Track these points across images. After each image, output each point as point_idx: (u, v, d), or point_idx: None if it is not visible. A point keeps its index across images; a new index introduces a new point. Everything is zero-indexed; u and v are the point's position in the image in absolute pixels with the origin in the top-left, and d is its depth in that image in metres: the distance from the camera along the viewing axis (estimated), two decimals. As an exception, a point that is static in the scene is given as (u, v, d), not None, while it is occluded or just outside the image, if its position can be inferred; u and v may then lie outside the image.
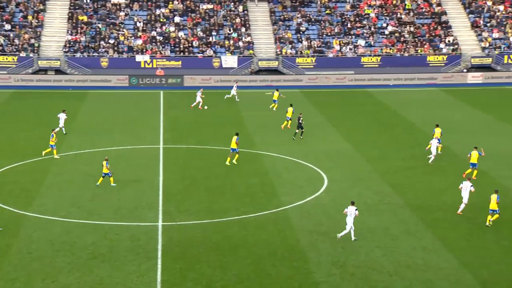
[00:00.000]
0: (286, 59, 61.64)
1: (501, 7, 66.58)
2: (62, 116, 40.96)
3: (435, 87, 57.89)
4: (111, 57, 60.81)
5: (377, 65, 61.96)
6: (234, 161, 34.91)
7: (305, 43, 63.34)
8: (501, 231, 26.01)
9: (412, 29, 64.83)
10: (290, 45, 63.01)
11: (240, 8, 66.48)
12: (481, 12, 66.36)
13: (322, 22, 65.55)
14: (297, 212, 28.37)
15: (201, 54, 61.98)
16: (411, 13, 66.49)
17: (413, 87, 58.50)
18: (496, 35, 63.82)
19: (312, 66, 61.87)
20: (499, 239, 25.24)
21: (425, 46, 63.06)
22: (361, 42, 63.56)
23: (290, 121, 42.08)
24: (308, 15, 66.12)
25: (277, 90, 49.56)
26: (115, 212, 28.10)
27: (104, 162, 31.27)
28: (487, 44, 63.08)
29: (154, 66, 60.54)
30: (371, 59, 62.07)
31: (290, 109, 42.38)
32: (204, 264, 23.47)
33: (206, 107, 48.74)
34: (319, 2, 67.68)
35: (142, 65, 60.48)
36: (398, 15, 66.18)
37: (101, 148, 37.01)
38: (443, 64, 61.88)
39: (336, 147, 38.58)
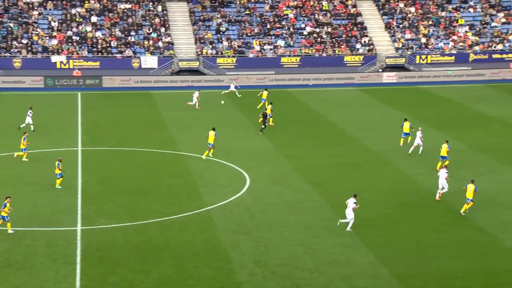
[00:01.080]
0: (206, 59, 61.47)
1: (412, 9, 68.91)
2: (29, 114, 40.99)
3: (352, 87, 59.25)
4: (24, 58, 58.73)
5: (296, 65, 62.77)
6: (210, 154, 35.56)
7: (225, 43, 63.38)
8: (414, 226, 26.89)
9: (329, 30, 66.11)
10: (210, 46, 62.88)
11: (159, 8, 65.77)
12: (394, 14, 68.45)
13: (242, 22, 65.80)
14: (220, 212, 28.33)
15: (120, 55, 60.89)
16: (328, 14, 67.78)
17: (331, 86, 59.65)
18: (408, 36, 66.01)
19: (233, 66, 61.96)
20: (413, 234, 26.09)
21: (342, 46, 64.44)
22: (281, 42, 64.24)
23: (272, 118, 43.16)
24: (228, 16, 66.20)
25: (266, 90, 50.14)
26: (31, 217, 27.17)
27: (56, 163, 30.34)
28: (400, 45, 65.16)
29: (71, 66, 58.94)
30: (290, 59, 62.83)
31: (269, 107, 43.36)
32: (125, 267, 23.04)
33: (222, 102, 49.88)
34: (238, 3, 67.89)
35: (58, 66, 58.72)
36: (316, 16, 67.33)
37: (15, 152, 35.65)
38: (359, 64, 63.42)
39: (257, 147, 38.78)
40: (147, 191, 30.80)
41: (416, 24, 67.20)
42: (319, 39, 64.95)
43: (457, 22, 67.38)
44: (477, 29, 66.53)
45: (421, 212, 28.25)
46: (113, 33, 62.34)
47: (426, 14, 68.32)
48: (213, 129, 36.17)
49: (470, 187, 27.92)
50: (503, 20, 67.62)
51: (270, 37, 64.69)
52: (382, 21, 68.15)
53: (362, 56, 63.53)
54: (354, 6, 69.04)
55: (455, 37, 65.65)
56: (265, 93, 49.31)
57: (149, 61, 60.41)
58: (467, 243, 25.12)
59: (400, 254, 24.35)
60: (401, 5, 69.22)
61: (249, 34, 64.70)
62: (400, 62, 63.41)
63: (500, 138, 40.49)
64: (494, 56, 63.89)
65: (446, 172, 29.84)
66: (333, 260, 23.89)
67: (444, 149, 33.99)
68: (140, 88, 57.74)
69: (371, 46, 64.76)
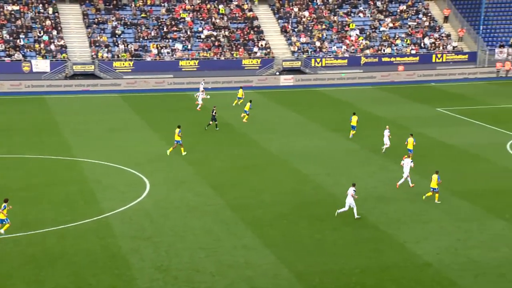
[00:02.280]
0: (102, 63, 60.01)
1: (306, 13, 70.61)
2: None
3: (251, 90, 59.82)
4: None
5: (195, 69, 62.58)
6: (182, 153, 36.81)
7: (121, 46, 62.18)
8: (314, 225, 27.49)
9: (227, 33, 66.45)
10: (106, 49, 61.46)
11: (50, 10, 63.52)
12: (289, 18, 69.83)
13: (138, 25, 64.80)
14: (119, 218, 27.70)
15: (9, 58, 58.25)
16: (225, 18, 68.13)
17: (230, 90, 59.96)
18: (303, 39, 67.54)
19: (130, 70, 60.88)
20: (312, 233, 26.65)
21: (240, 50, 64.96)
22: (179, 45, 63.84)
23: (247, 115, 45.31)
24: (123, 18, 65.00)
25: (241, 88, 52.06)
26: None
27: None
28: (296, 48, 66.55)
29: (-45, 71, 55.83)
30: (189, 63, 62.55)
31: (248, 104, 45.76)
32: (17, 279, 22.03)
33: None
34: (133, 6, 66.82)
35: None
36: (213, 20, 67.48)
37: None
38: (257, 68, 64.16)
39: (157, 151, 38.30)
40: (41, 199, 29.62)
41: (310, 28, 68.88)
42: (216, 43, 65.12)
43: (349, 26, 69.71)
44: (367, 33, 69.13)
45: (320, 211, 28.91)
46: (1, 36, 59.57)
47: (319, 18, 70.20)
48: (178, 127, 37.12)
49: (434, 177, 29.83)
50: (391, 24, 70.71)
51: (167, 40, 64.14)
52: (278, 25, 69.32)
53: (260, 60, 64.32)
54: (250, 10, 69.80)
55: (347, 41, 67.88)
56: (240, 91, 51.46)
57: (41, 65, 58.21)
58: (362, 240, 25.96)
59: (300, 253, 24.80)
60: (296, 9, 70.72)
61: (146, 38, 63.83)
62: (297, 65, 64.76)
63: (391, 138, 42.20)
64: (384, 59, 66.63)
65: (411, 161, 31.88)
66: (234, 263, 23.96)
67: (410, 143, 35.78)
68: (32, 93, 55.53)
69: (268, 50, 65.70)
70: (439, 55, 67.27)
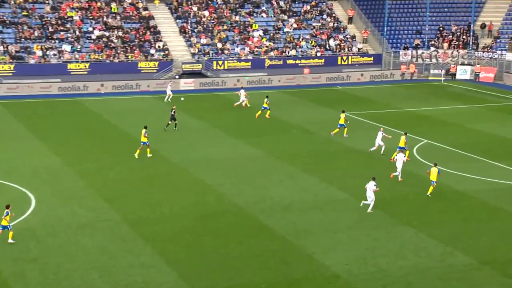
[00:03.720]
0: (-20, 66, 57.39)
1: (206, 13, 70.66)
2: None
3: (148, 95, 59.05)
4: None
5: (86, 72, 61.07)
6: (148, 154, 37.96)
7: (0, 48, 59.67)
8: (218, 239, 27.37)
9: (120, 33, 65.32)
10: (-17, 50, 58.85)
11: None
12: (188, 18, 69.61)
13: (19, 24, 62.44)
14: None
15: None
16: (118, 17, 66.98)
17: (125, 95, 58.92)
18: (204, 41, 67.51)
19: (11, 74, 58.53)
20: (216, 247, 26.51)
21: (136, 51, 64.03)
22: (66, 47, 62.06)
23: (268, 111, 48.27)
24: (1, 17, 62.44)
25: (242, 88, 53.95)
26: None
27: None
28: (196, 50, 66.39)
29: None
30: (78, 66, 60.95)
31: (265, 100, 48.68)
32: None
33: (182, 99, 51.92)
34: (13, 3, 64.37)
35: None
36: (105, 19, 66.14)
37: None
38: (155, 71, 63.45)
39: (44, 163, 36.94)
40: None
41: (211, 29, 68.96)
42: (109, 44, 63.86)
43: (251, 27, 70.40)
44: (271, 34, 70.08)
45: (224, 224, 28.83)
46: None
47: (220, 18, 70.43)
48: (145, 127, 38.26)
49: (434, 170, 32.21)
50: (295, 25, 72.05)
51: (53, 41, 62.20)
52: (176, 25, 68.93)
53: (157, 62, 63.66)
54: (146, 8, 69.02)
55: (250, 42, 68.48)
56: (243, 93, 53.08)
57: None
58: (269, 252, 26.09)
59: (203, 269, 24.58)
60: (195, 8, 70.61)
61: (28, 38, 61.60)
62: (197, 68, 64.59)
63: (298, 144, 42.85)
64: (289, 61, 67.79)
65: (404, 156, 35.04)
66: (131, 283, 23.40)
67: (402, 141, 37.61)
68: None
69: (166, 52, 65.16)
70: (344, 57, 69.22)
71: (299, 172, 36.52)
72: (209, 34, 68.44)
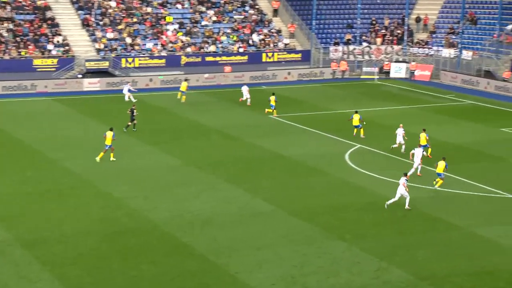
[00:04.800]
0: None
1: (113, 3, 69.85)
2: None
3: (46, 96, 57.85)
4: None
5: (-29, 71, 59.35)
6: (111, 158, 38.82)
7: None
8: (128, 260, 27.01)
9: (11, 26, 63.73)
10: None
11: None
12: (91, 9, 68.62)
13: None
14: None
15: None
16: (9, 7, 65.36)
17: (18, 96, 57.52)
18: (111, 35, 66.69)
19: None
20: (126, 269, 26.14)
21: (30, 47, 62.59)
22: (-50, 42, 60.14)
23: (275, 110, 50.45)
24: None
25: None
26: None
27: None
28: (102, 46, 65.50)
29: None
30: (-37, 64, 59.20)
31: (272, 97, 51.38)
32: None
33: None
34: None
35: None
36: (-6, 10, 64.52)
37: None
38: (53, 69, 62.21)
39: None
40: None
41: (118, 22, 68.20)
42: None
43: (165, 19, 70.07)
44: (187, 28, 69.96)
45: (135, 242, 28.49)
46: None
47: (129, 10, 69.79)
48: (111, 129, 38.90)
49: (441, 163, 35.30)
50: (214, 18, 72.17)
51: None
52: (78, 17, 67.88)
53: (56, 59, 62.47)
54: (42, -2, 67.73)
55: (164, 37, 68.13)
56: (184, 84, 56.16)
57: None
58: (187, 273, 25.94)
59: (112, 295, 24.21)
60: (100, -2, 69.76)
61: None
62: (104, 66, 63.74)
63: (219, 150, 42.89)
64: (208, 58, 67.83)
65: (423, 151, 37.83)
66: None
67: (423, 138, 39.64)
68: None
69: (67, 47, 64.02)
70: (269, 54, 69.84)
71: (221, 182, 36.53)
72: (117, 27, 67.65)
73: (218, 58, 68.17)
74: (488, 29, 70.45)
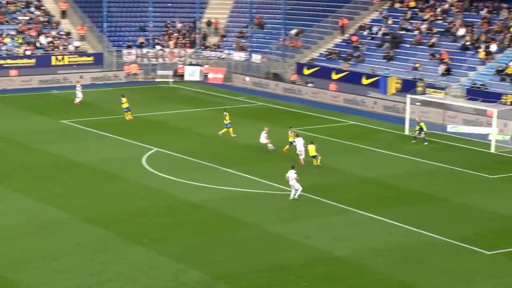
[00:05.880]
0: None
1: None
2: None
3: None
4: None
5: None
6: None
7: None
8: None
9: None
10: None
11: None
12: None
13: None
14: None
15: None
16: None
17: None
18: None
19: None
20: None
21: None
22: None
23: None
24: None
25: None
26: None
27: None
28: None
29: None
30: None
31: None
32: None
33: None
34: None
35: None
36: None
37: None
38: None
39: None
40: None
41: None
42: None
43: None
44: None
45: None
46: None
47: None
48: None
49: (311, 147, 39.53)
50: None
51: None
52: None
53: None
54: None
55: None
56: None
57: None
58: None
59: None
60: None
61: None
62: None
63: (7, 159, 41.39)
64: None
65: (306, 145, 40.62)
66: None
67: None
68: None
69: None
70: (59, 57, 68.05)
71: (9, 192, 35.24)
72: None
73: (2, 62, 65.29)
74: (274, 34, 73.54)
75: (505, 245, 29.43)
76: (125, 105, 51.64)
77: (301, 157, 40.89)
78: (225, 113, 47.84)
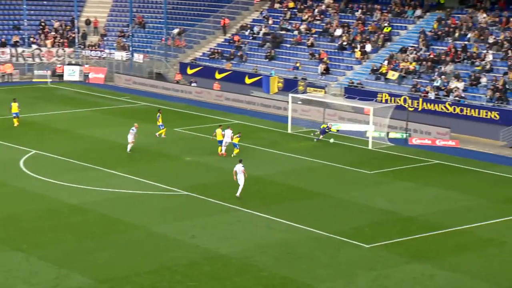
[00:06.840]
0: None
1: None
2: None
3: None
4: None
5: None
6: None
7: None
8: None
9: None
10: None
11: None
12: None
13: None
14: None
15: None
16: None
17: None
18: None
19: None
20: None
21: None
22: None
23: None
24: None
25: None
26: None
27: None
28: None
29: None
30: None
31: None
32: None
33: None
34: None
35: None
36: None
37: None
38: None
39: None
40: None
41: None
42: None
43: None
44: None
45: None
46: None
47: None
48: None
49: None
50: None
51: None
52: None
53: None
54: None
55: None
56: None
57: None
58: None
59: None
60: None
61: None
62: None
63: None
64: None
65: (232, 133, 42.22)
66: None
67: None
68: None
69: None
70: None
71: None
72: None
73: None
74: (156, 33, 73.08)
75: (382, 238, 30.51)
76: (15, 110, 49.48)
77: (223, 148, 42.65)
78: (158, 114, 47.48)
